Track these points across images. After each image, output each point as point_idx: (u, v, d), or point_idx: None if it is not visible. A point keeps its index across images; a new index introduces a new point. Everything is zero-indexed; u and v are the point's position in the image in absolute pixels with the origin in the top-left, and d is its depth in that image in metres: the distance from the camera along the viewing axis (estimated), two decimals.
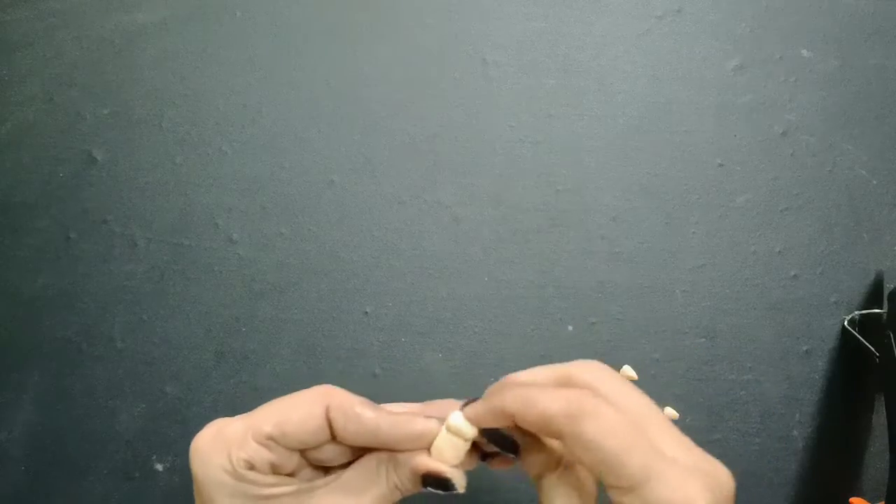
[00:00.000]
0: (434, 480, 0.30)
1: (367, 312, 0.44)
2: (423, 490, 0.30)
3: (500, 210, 0.46)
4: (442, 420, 0.30)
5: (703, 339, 0.45)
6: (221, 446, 0.29)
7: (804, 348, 0.45)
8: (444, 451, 0.30)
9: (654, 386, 0.44)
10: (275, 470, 0.30)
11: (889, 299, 0.43)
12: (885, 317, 0.43)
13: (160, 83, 0.47)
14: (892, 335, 0.41)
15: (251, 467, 0.29)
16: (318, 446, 0.30)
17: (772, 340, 0.45)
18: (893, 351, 0.40)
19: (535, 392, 0.28)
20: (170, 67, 0.47)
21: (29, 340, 0.43)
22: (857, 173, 0.47)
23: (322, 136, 0.46)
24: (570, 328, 0.45)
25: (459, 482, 0.30)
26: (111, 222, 0.45)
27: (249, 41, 0.48)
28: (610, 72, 0.48)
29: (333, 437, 0.30)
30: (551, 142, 0.47)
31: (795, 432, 0.44)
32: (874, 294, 0.45)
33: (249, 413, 0.30)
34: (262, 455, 0.29)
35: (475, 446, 0.31)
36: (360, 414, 0.29)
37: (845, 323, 0.44)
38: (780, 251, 0.46)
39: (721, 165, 0.47)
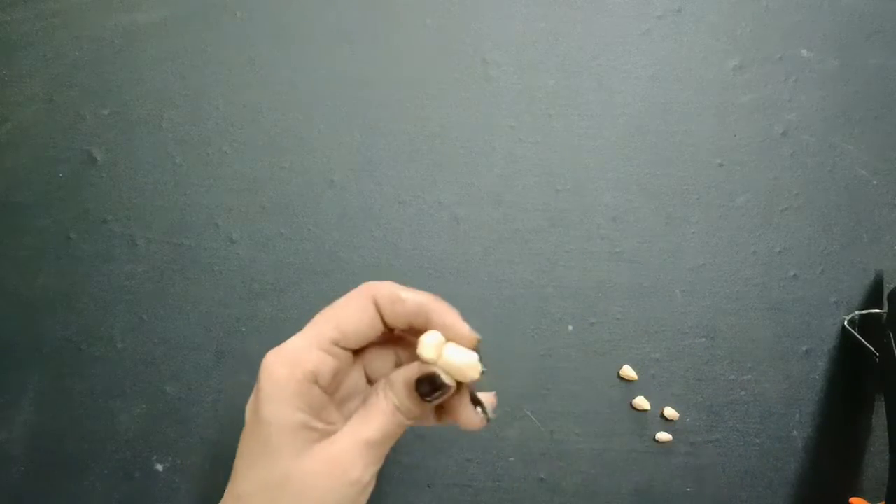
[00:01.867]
0: (423, 381, 0.31)
1: None
2: (426, 409, 0.32)
3: (500, 210, 0.46)
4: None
5: (703, 339, 0.45)
6: (285, 361, 0.31)
7: (804, 348, 0.45)
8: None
9: (654, 386, 0.44)
10: (334, 383, 0.32)
11: (889, 299, 0.43)
12: (884, 317, 0.43)
13: (160, 83, 0.47)
14: (891, 335, 0.41)
15: (315, 380, 0.31)
16: (374, 339, 0.33)
17: (772, 340, 0.45)
18: (893, 351, 0.40)
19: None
20: (170, 67, 0.47)
21: (29, 340, 0.43)
22: (857, 173, 0.47)
23: (322, 136, 0.46)
24: (570, 328, 0.45)
25: (446, 378, 0.31)
26: (111, 222, 0.45)
27: (249, 41, 0.48)
28: (610, 72, 0.48)
29: (386, 326, 0.33)
30: (551, 142, 0.47)
31: (795, 432, 0.44)
32: (874, 294, 0.45)
33: (305, 328, 0.32)
34: (327, 364, 0.31)
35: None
36: (403, 297, 0.32)
37: (845, 323, 0.44)
38: (780, 251, 0.46)
39: (721, 165, 0.47)
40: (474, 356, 0.31)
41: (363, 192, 0.46)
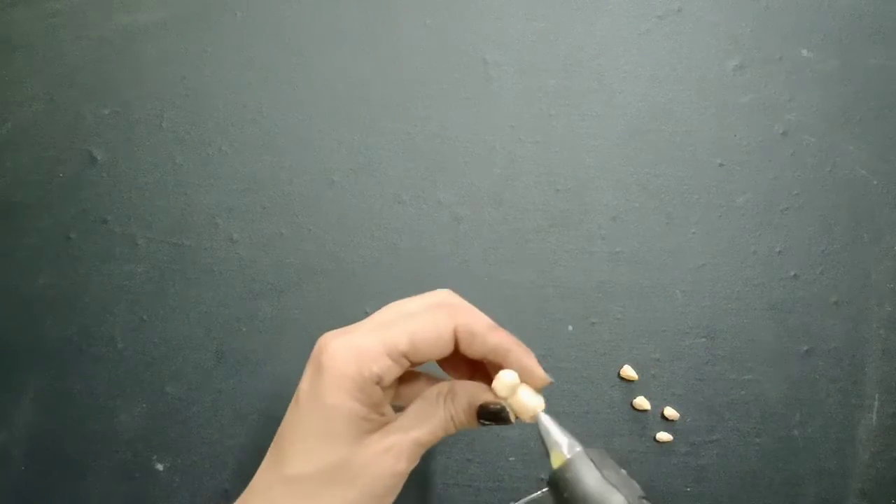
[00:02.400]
0: (489, 410, 0.33)
1: (367, 312, 0.44)
2: (477, 426, 0.34)
3: (500, 210, 0.46)
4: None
5: (704, 339, 0.45)
6: (353, 357, 0.32)
7: (804, 348, 0.45)
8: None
9: (654, 386, 0.44)
10: (390, 386, 0.34)
11: (549, 484, 0.35)
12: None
13: (160, 83, 0.47)
14: None
15: (378, 382, 0.32)
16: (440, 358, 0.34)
17: (772, 340, 0.45)
18: None
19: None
20: (170, 67, 0.47)
21: (29, 340, 0.43)
22: (857, 173, 0.47)
23: (322, 136, 0.46)
24: (570, 328, 0.45)
25: (511, 415, 0.33)
26: (111, 222, 0.45)
27: (249, 41, 0.48)
28: (610, 72, 0.48)
29: (455, 351, 0.34)
30: (551, 142, 0.47)
31: (795, 432, 0.44)
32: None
33: (376, 326, 0.33)
34: (393, 371, 0.33)
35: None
36: (485, 334, 0.33)
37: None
38: (780, 251, 0.46)
39: (721, 165, 0.47)
40: (541, 400, 0.33)
41: (363, 192, 0.46)
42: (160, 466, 0.42)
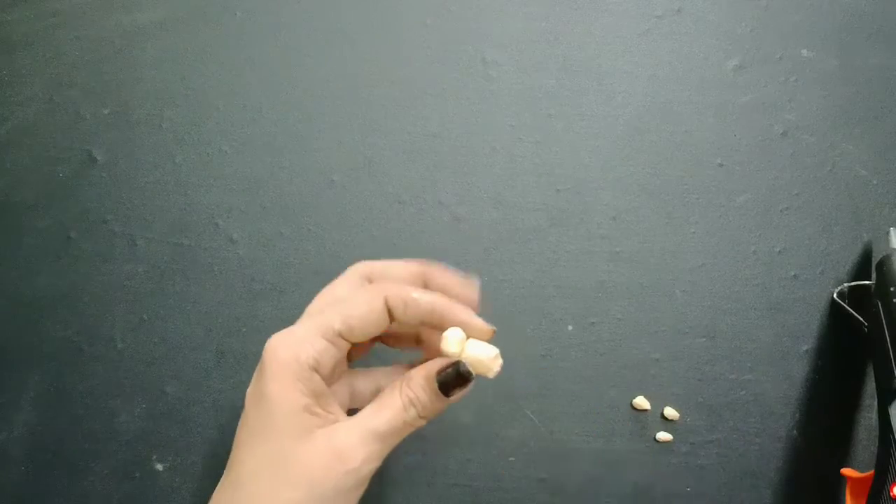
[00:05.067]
0: (447, 373, 0.32)
1: None
2: (442, 402, 0.33)
3: (500, 210, 0.46)
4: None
5: (703, 339, 0.45)
6: (289, 345, 0.31)
7: (804, 348, 0.45)
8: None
9: (655, 386, 0.44)
10: (332, 374, 0.33)
11: (876, 269, 0.43)
12: (872, 287, 0.43)
13: (160, 83, 0.47)
14: (879, 304, 0.41)
15: (316, 367, 0.31)
16: (377, 336, 0.34)
17: (772, 340, 0.45)
18: (881, 319, 0.41)
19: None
20: (170, 67, 0.47)
21: (29, 340, 0.43)
22: (857, 173, 0.47)
23: (322, 136, 0.46)
24: (570, 328, 0.45)
25: (468, 370, 0.32)
26: (111, 222, 0.45)
27: (249, 41, 0.48)
28: (610, 72, 0.48)
29: (391, 322, 0.33)
30: (551, 142, 0.47)
31: (795, 432, 0.44)
32: (863, 265, 0.45)
33: (309, 315, 0.33)
34: (329, 353, 0.32)
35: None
36: (417, 298, 0.33)
37: (834, 295, 0.45)
38: (780, 251, 0.46)
39: (721, 165, 0.47)
40: (495, 349, 0.33)
41: (363, 192, 0.46)
42: (160, 466, 0.42)
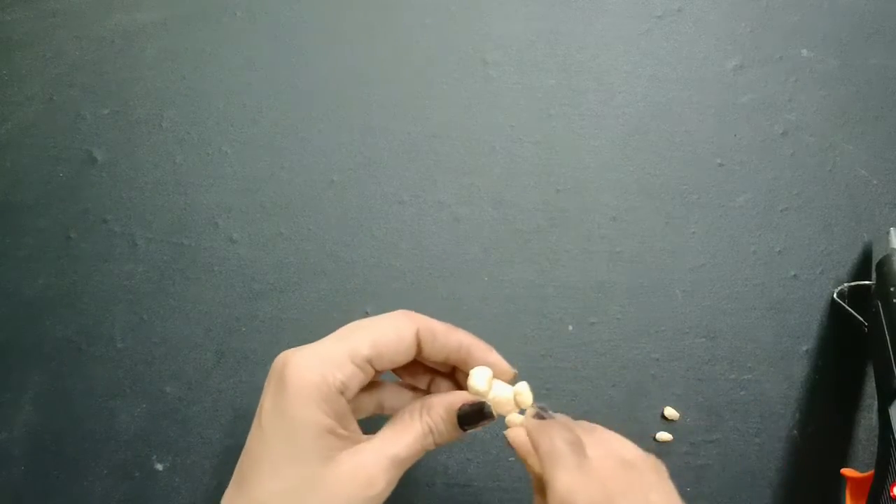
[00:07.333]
0: (470, 410, 0.33)
1: (367, 312, 0.44)
2: (458, 434, 0.33)
3: (500, 210, 0.46)
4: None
5: (703, 339, 0.45)
6: (317, 365, 0.31)
7: (804, 348, 0.45)
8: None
9: (655, 386, 0.44)
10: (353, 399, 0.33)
11: (876, 269, 0.43)
12: (872, 287, 0.43)
13: (160, 83, 0.47)
14: (879, 304, 0.41)
15: (343, 390, 0.31)
16: (402, 365, 0.34)
17: (772, 340, 0.45)
18: (881, 319, 0.41)
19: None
20: (170, 67, 0.47)
21: (29, 340, 0.43)
22: (857, 173, 0.47)
23: (322, 136, 0.46)
24: (570, 328, 0.45)
25: (492, 410, 0.33)
26: (111, 222, 0.45)
27: (249, 41, 0.48)
28: (610, 72, 0.48)
29: (415, 362, 0.34)
30: (551, 142, 0.47)
31: (795, 432, 0.44)
32: (863, 266, 0.45)
33: (337, 338, 0.32)
34: (357, 378, 0.32)
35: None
36: (446, 332, 0.33)
37: (835, 295, 0.45)
38: (780, 251, 0.46)
39: (721, 165, 0.47)
40: (514, 389, 0.34)
41: (363, 192, 0.46)
42: (160, 466, 0.42)
